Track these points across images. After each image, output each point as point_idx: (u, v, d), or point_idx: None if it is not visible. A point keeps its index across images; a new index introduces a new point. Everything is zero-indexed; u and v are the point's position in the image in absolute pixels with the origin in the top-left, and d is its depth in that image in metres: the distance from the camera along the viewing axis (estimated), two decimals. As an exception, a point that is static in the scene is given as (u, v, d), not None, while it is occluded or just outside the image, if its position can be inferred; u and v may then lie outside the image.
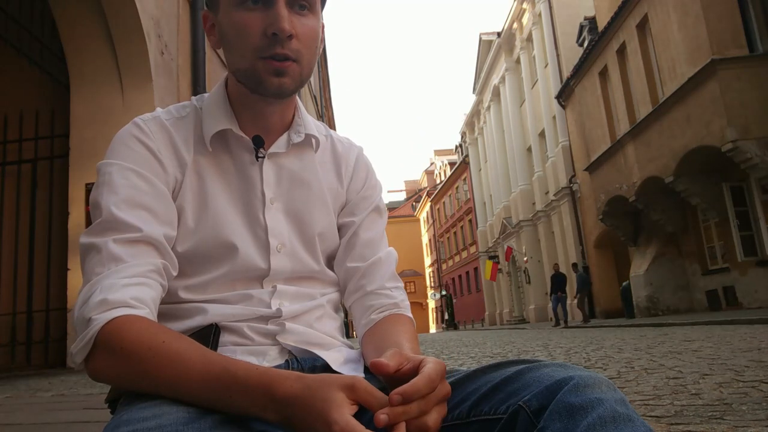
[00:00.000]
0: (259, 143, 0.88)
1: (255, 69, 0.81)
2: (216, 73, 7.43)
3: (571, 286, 18.72)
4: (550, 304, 18.24)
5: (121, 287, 0.72)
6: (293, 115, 0.93)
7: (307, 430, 0.59)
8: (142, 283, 0.75)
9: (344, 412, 0.57)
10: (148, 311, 0.73)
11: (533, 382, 0.65)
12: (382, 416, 0.58)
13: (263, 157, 0.89)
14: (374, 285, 0.94)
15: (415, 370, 0.64)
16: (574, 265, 17.93)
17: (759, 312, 9.86)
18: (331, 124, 24.75)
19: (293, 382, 0.61)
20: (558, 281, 16.95)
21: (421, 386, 0.61)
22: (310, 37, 0.83)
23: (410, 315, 0.95)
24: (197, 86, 6.55)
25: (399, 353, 0.68)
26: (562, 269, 21.82)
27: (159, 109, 0.90)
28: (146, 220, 0.79)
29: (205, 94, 0.93)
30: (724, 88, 10.93)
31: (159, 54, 5.92)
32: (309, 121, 0.94)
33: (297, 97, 0.93)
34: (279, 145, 0.90)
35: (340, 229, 0.97)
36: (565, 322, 16.39)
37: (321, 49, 0.90)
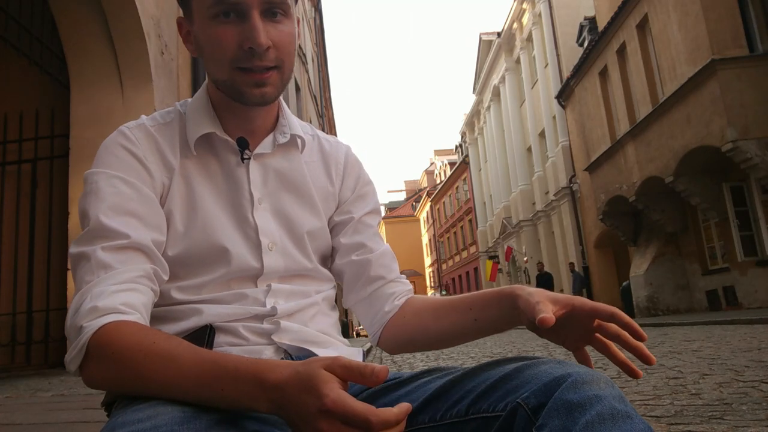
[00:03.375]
0: (244, 145, 0.88)
1: (234, 81, 0.82)
2: (216, 73, 7.42)
3: (568, 286, 18.67)
4: None
5: (111, 294, 0.72)
6: (277, 116, 0.93)
7: (299, 412, 0.59)
8: (132, 288, 0.75)
9: (334, 386, 0.57)
10: (139, 316, 0.73)
11: (531, 379, 0.66)
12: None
13: (249, 159, 0.89)
14: (393, 274, 0.97)
15: None
16: (571, 265, 17.89)
17: (759, 312, 9.86)
18: (331, 124, 24.75)
19: (283, 369, 0.61)
20: (544, 281, 16.69)
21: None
22: (288, 42, 0.83)
23: None
24: (197, 86, 6.53)
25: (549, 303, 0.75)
26: (563, 269, 21.83)
27: (143, 117, 0.90)
28: (134, 226, 0.79)
29: (189, 99, 0.94)
30: (724, 88, 10.93)
31: (159, 54, 5.92)
32: (294, 122, 0.95)
33: (280, 98, 0.93)
34: (264, 146, 0.91)
35: (339, 225, 0.98)
36: None
37: (298, 44, 0.90)
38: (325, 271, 0.95)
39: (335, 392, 0.57)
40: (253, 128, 0.90)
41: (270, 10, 0.80)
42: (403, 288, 0.97)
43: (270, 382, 0.61)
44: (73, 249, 0.78)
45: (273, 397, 0.61)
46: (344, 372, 0.59)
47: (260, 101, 0.83)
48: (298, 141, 0.94)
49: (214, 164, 0.89)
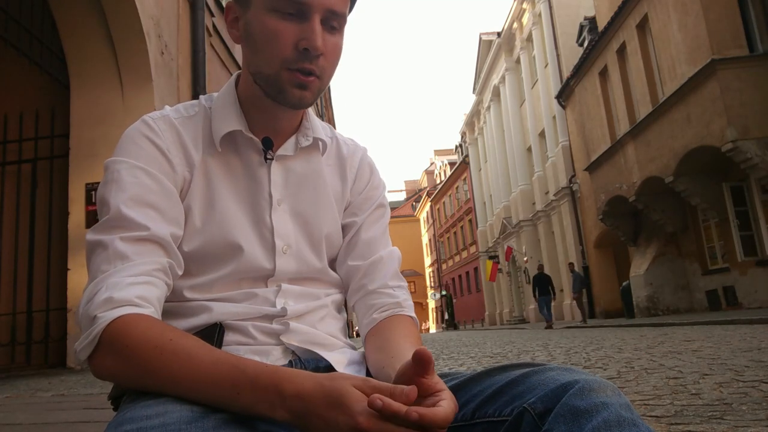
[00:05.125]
0: (269, 145, 0.88)
1: (279, 78, 0.81)
2: (216, 73, 7.42)
3: (568, 287, 18.70)
4: (537, 306, 17.81)
5: (127, 286, 0.72)
6: (301, 119, 0.93)
7: (326, 427, 0.58)
8: (147, 281, 0.74)
9: (366, 406, 0.57)
10: (152, 310, 0.73)
11: (538, 385, 0.66)
12: (377, 401, 0.55)
13: (272, 159, 0.89)
14: (376, 284, 0.93)
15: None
16: (571, 265, 17.93)
17: (759, 312, 9.86)
18: (331, 124, 24.74)
19: (304, 379, 0.61)
20: (541, 282, 16.89)
21: (437, 419, 0.58)
22: (336, 55, 0.84)
23: (413, 315, 0.94)
24: (197, 86, 6.55)
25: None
26: (563, 269, 21.83)
27: (167, 108, 0.90)
28: (153, 218, 0.78)
29: (213, 94, 0.93)
30: (724, 88, 10.93)
31: (159, 54, 5.92)
32: (317, 125, 0.95)
33: None
34: (287, 147, 0.91)
35: (343, 229, 0.97)
36: (551, 323, 16.24)
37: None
38: (334, 273, 0.95)
39: (368, 411, 0.57)
40: (278, 129, 0.90)
41: (329, 21, 0.81)
42: (388, 300, 0.92)
43: (290, 391, 0.60)
44: (90, 236, 0.78)
45: (292, 407, 0.60)
46: (375, 393, 0.59)
47: (297, 104, 0.83)
48: (320, 144, 0.94)
49: (236, 162, 0.89)
